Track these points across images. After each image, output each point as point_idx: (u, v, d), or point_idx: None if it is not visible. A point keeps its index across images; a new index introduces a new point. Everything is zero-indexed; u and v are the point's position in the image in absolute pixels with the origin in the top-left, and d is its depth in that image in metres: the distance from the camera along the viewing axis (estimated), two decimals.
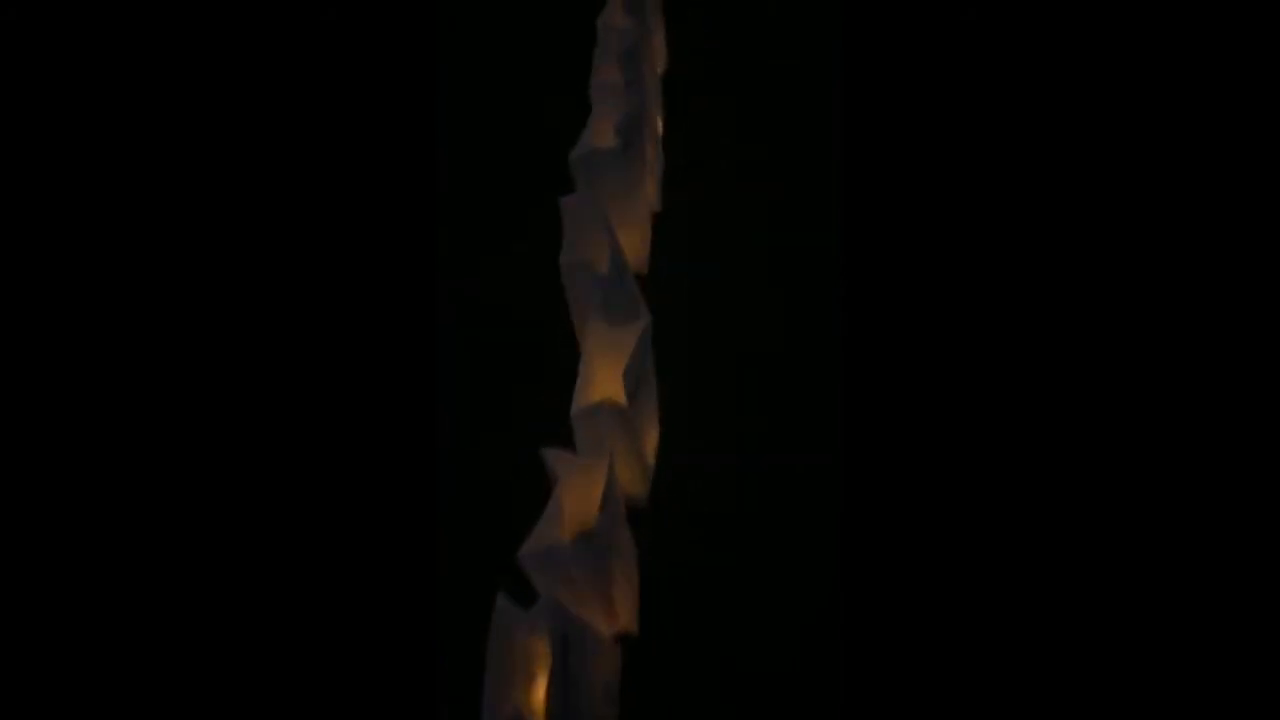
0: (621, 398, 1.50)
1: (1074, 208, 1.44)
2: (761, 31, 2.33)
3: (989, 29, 1.50)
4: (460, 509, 1.55)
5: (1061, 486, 1.35)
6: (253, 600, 1.36)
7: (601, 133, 1.76)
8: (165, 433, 1.41)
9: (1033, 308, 1.42)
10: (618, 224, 1.65)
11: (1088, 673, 1.30)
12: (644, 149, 1.87)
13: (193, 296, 1.46)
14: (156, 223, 1.48)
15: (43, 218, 1.47)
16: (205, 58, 1.55)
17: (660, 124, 2.07)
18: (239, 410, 1.43)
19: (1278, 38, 1.44)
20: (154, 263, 1.46)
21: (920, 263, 1.46)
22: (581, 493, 1.41)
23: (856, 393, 1.45)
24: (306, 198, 1.52)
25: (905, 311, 1.45)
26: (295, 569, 1.38)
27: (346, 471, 1.42)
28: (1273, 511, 1.32)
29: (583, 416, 1.46)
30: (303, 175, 1.52)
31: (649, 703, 1.40)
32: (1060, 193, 1.44)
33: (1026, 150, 1.46)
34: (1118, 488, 1.35)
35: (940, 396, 1.41)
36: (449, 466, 1.55)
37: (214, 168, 1.51)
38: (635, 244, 1.81)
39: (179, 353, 1.45)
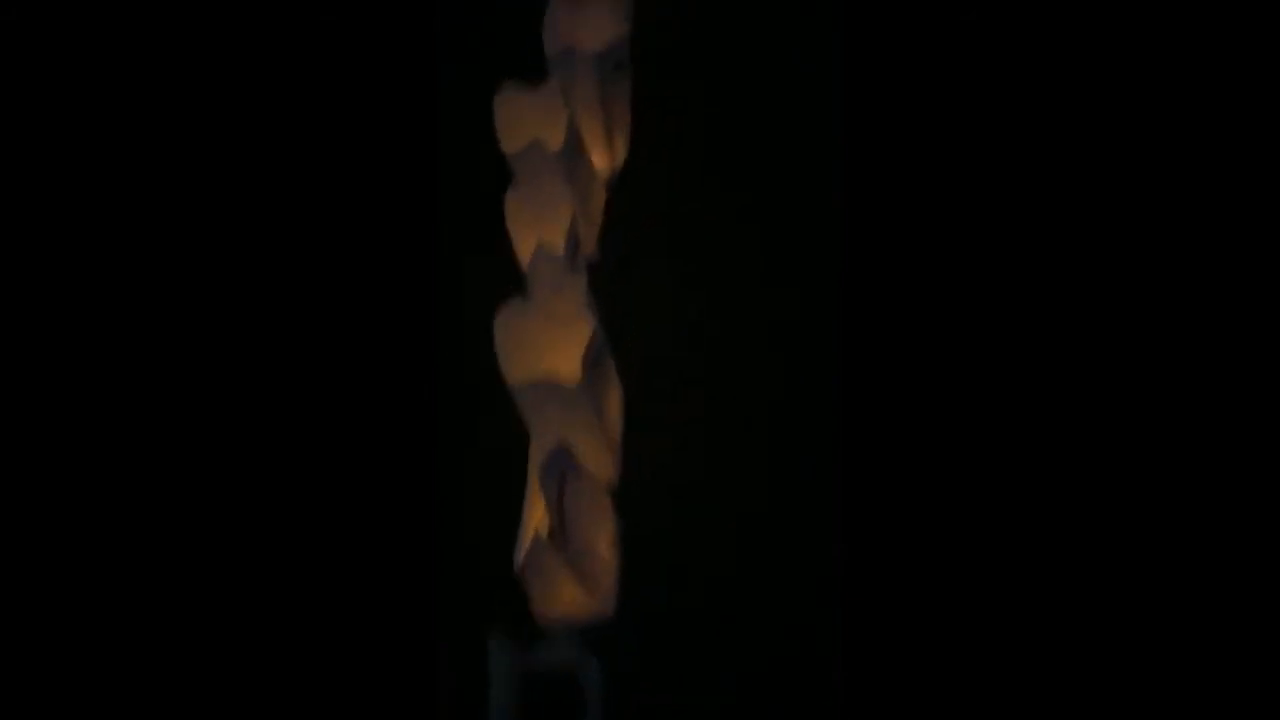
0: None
1: (1077, 213, 1.43)
2: (761, 31, 2.32)
3: (990, 30, 1.50)
4: (459, 511, 1.55)
5: (1070, 497, 1.35)
6: (251, 601, 1.36)
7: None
8: (163, 432, 1.41)
9: (1034, 313, 1.42)
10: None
11: (1091, 684, 1.29)
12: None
13: (191, 297, 1.46)
14: (153, 224, 1.48)
15: (42, 217, 1.47)
16: (205, 57, 1.54)
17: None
18: (237, 410, 1.43)
19: (1278, 38, 1.44)
20: (150, 264, 1.46)
21: (922, 267, 1.46)
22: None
23: (857, 398, 1.45)
24: (306, 199, 1.52)
25: (905, 318, 1.45)
26: (294, 570, 1.38)
27: (346, 472, 1.42)
28: (1273, 511, 1.32)
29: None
30: (302, 176, 1.52)
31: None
32: (1063, 199, 1.44)
33: (1028, 154, 1.46)
34: (1119, 492, 1.35)
35: (941, 405, 1.41)
36: (447, 467, 1.55)
37: (213, 168, 1.51)
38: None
39: (177, 352, 1.44)
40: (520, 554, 1.40)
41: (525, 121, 1.70)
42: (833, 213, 1.69)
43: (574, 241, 1.64)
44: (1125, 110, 1.45)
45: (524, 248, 1.63)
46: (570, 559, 1.39)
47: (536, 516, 1.43)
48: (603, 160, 1.89)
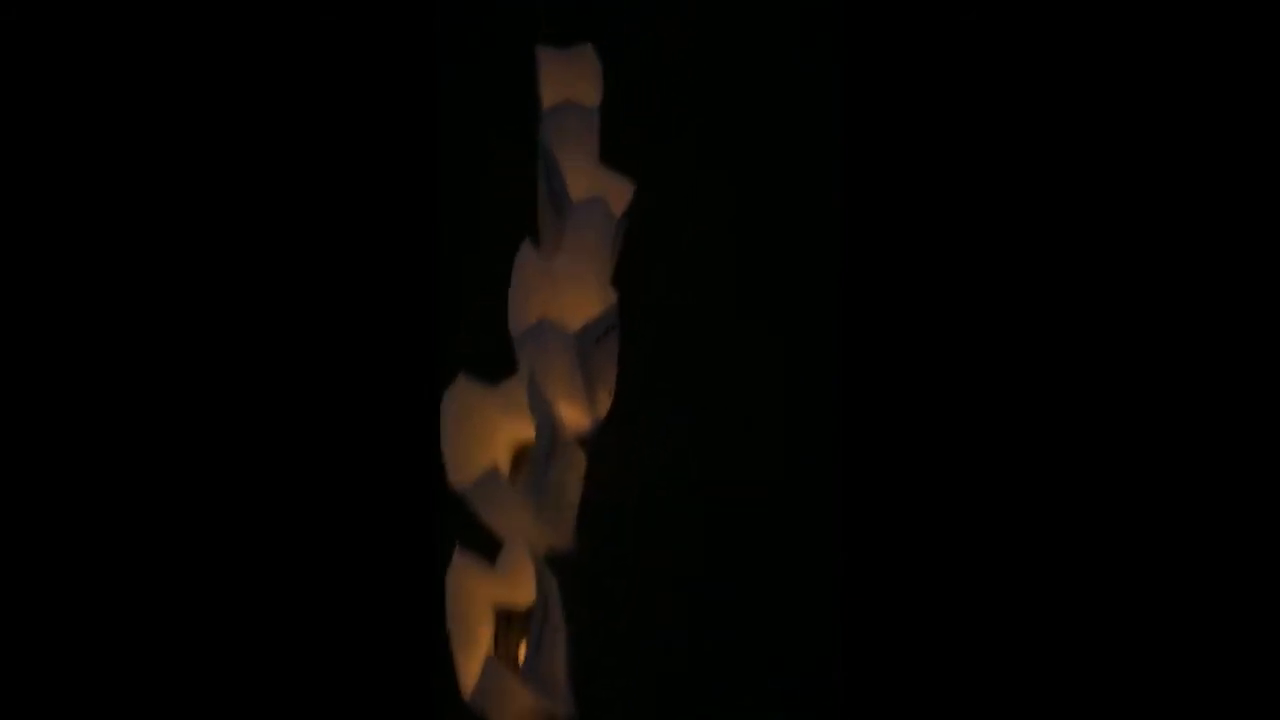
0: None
1: (1077, 212, 1.44)
2: (761, 31, 2.32)
3: (990, 30, 1.50)
4: (459, 510, 1.55)
5: (1071, 497, 1.35)
6: (250, 601, 1.36)
7: None
8: (163, 431, 1.41)
9: (1034, 312, 1.42)
10: None
11: (1091, 684, 1.29)
12: None
13: (191, 296, 1.46)
14: (152, 223, 1.48)
15: (42, 218, 1.47)
16: (205, 57, 1.54)
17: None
18: (236, 411, 1.43)
19: (1278, 38, 1.44)
20: (150, 263, 1.46)
21: (922, 267, 1.46)
22: None
23: (857, 398, 1.45)
24: (306, 199, 1.52)
25: (906, 317, 1.45)
26: (293, 570, 1.38)
27: (345, 470, 1.42)
28: (1273, 512, 1.32)
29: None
30: (302, 176, 1.52)
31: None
32: (1063, 198, 1.44)
33: (1029, 153, 1.46)
34: (1119, 491, 1.35)
35: (941, 404, 1.41)
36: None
37: (212, 168, 1.51)
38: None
39: (177, 351, 1.44)
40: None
41: (480, 434, 1.29)
42: (833, 213, 1.69)
43: (542, 615, 1.22)
44: (1126, 109, 1.45)
45: (468, 655, 1.22)
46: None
47: None
48: (583, 421, 1.49)
